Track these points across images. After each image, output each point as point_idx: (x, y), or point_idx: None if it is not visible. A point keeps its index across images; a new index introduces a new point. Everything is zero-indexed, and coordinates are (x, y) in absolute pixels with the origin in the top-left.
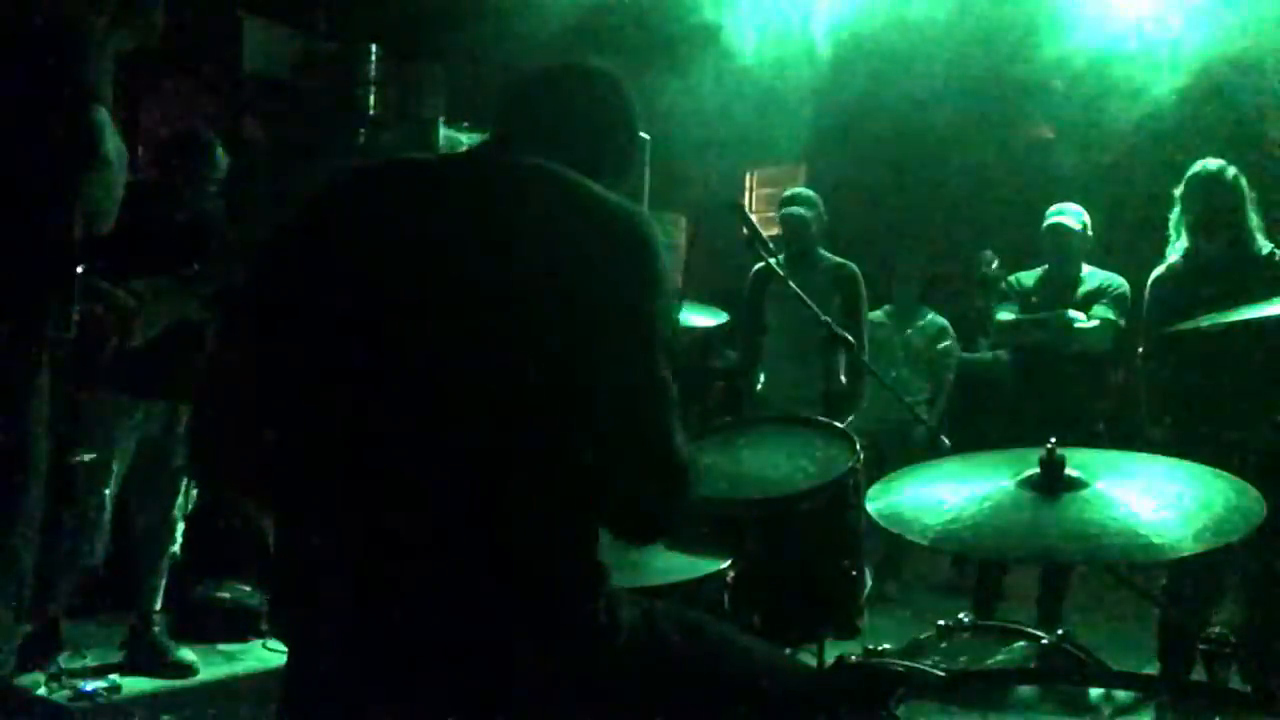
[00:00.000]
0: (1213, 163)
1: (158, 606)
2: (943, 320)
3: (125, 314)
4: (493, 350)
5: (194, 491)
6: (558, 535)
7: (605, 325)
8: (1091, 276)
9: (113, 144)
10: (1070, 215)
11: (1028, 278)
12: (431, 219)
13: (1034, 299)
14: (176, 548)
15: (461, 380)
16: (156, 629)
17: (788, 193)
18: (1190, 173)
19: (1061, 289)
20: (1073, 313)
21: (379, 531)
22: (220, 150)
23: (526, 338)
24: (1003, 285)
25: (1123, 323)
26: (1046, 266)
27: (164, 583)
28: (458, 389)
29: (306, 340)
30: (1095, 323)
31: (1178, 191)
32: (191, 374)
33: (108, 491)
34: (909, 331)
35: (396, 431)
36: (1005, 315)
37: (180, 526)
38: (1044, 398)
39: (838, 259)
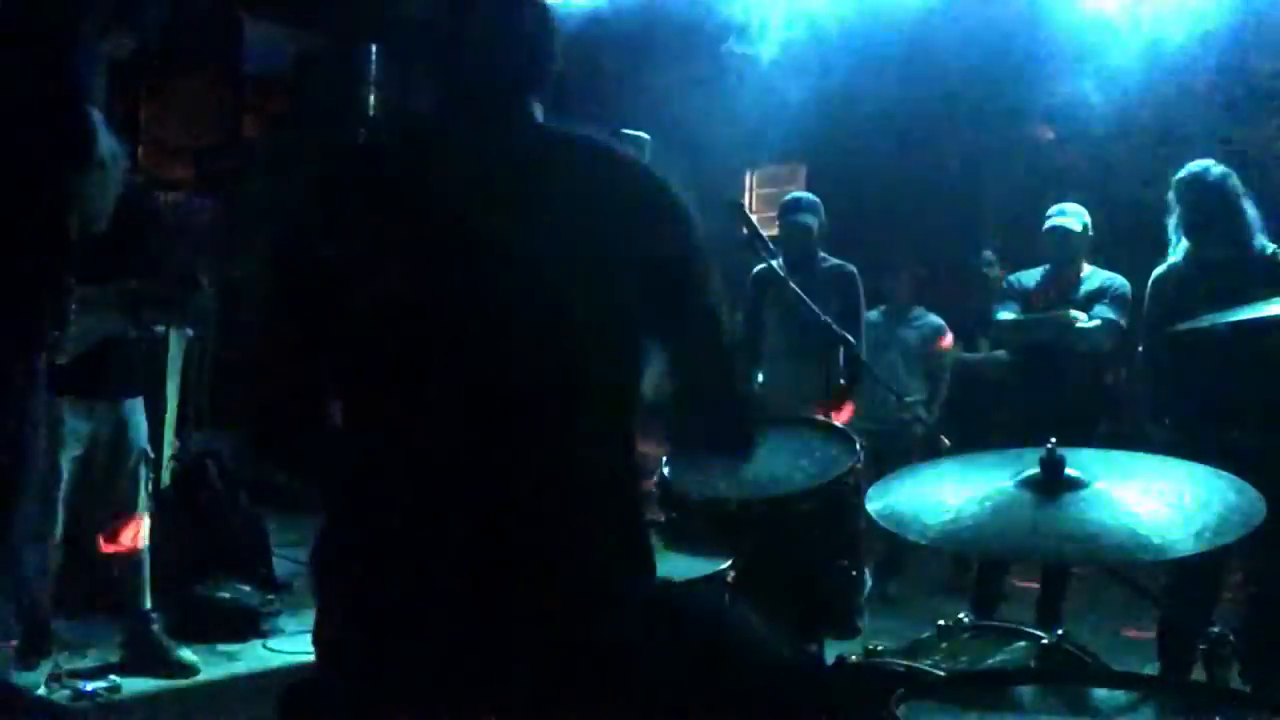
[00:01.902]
0: (1197, 165)
1: (147, 605)
2: (937, 319)
3: None
4: (546, 318)
5: (151, 487)
6: (609, 516)
7: (658, 279)
8: (1093, 276)
9: (106, 145)
10: (1071, 216)
11: (1028, 277)
12: (468, 187)
13: (1035, 299)
14: (143, 544)
15: (520, 356)
16: (156, 629)
17: (790, 197)
18: (1177, 177)
19: (1063, 289)
20: (1074, 313)
21: (433, 507)
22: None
23: (580, 302)
24: (1004, 285)
25: (1124, 323)
26: (1047, 266)
27: (147, 580)
28: (515, 366)
29: (358, 317)
30: (1097, 322)
31: (1178, 191)
32: (130, 375)
33: (59, 493)
34: (903, 331)
35: (453, 411)
36: (1006, 315)
37: (146, 523)
38: (1044, 398)
39: (837, 260)
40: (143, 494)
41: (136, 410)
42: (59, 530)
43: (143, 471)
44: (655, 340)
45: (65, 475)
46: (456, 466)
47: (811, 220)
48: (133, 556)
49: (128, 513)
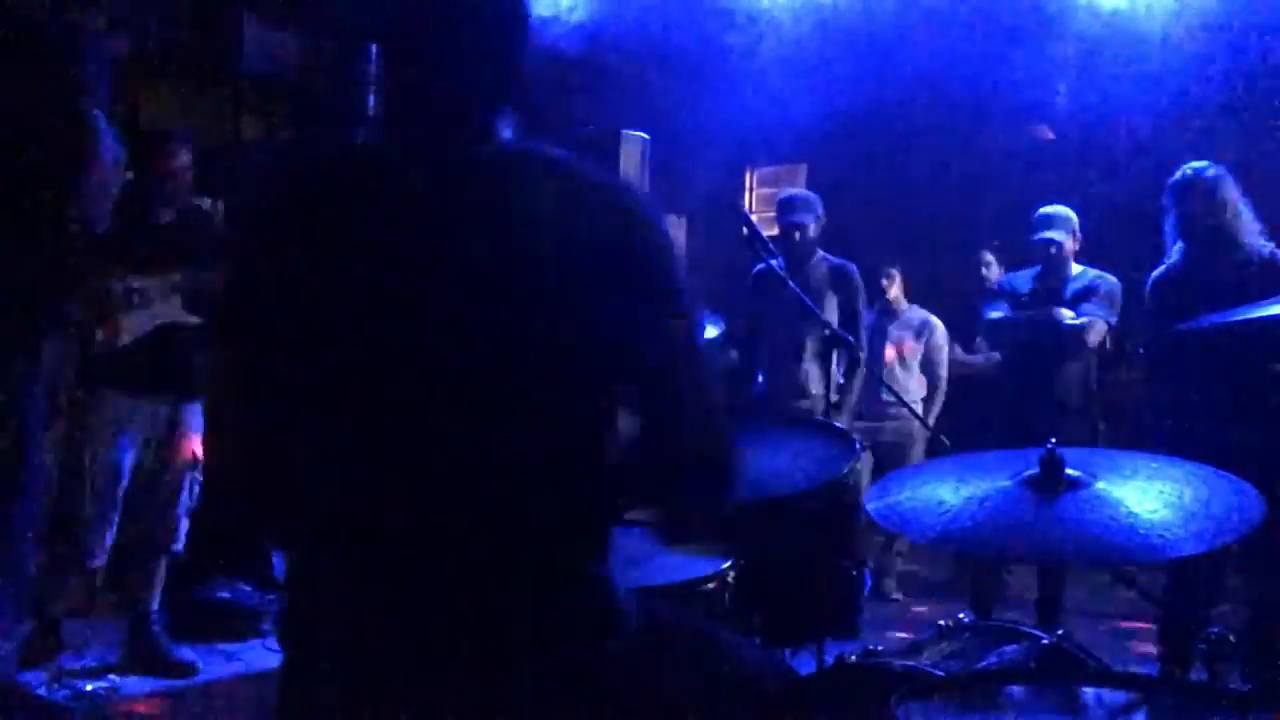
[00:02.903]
0: (1191, 166)
1: (155, 606)
2: (931, 316)
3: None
4: (504, 348)
5: (196, 489)
6: (569, 537)
7: (624, 301)
8: (1083, 275)
9: (107, 144)
10: (1056, 226)
11: (1020, 279)
12: (420, 208)
13: (1024, 298)
14: (179, 545)
15: (471, 379)
16: (156, 629)
17: (784, 195)
18: (1172, 179)
19: (1051, 288)
20: (1060, 311)
21: (389, 534)
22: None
23: (539, 330)
24: (994, 286)
25: (1113, 320)
26: (1039, 268)
27: (162, 582)
28: (467, 389)
29: (303, 347)
30: (1084, 320)
31: (1176, 192)
32: (188, 372)
33: (119, 492)
34: (897, 329)
35: (406, 435)
36: (994, 314)
37: (184, 525)
38: (1040, 397)
39: (837, 260)
40: (183, 498)
41: (194, 415)
42: (112, 531)
43: (189, 477)
44: (625, 374)
45: (126, 475)
46: (419, 512)
47: (806, 217)
48: (158, 559)
49: (167, 516)
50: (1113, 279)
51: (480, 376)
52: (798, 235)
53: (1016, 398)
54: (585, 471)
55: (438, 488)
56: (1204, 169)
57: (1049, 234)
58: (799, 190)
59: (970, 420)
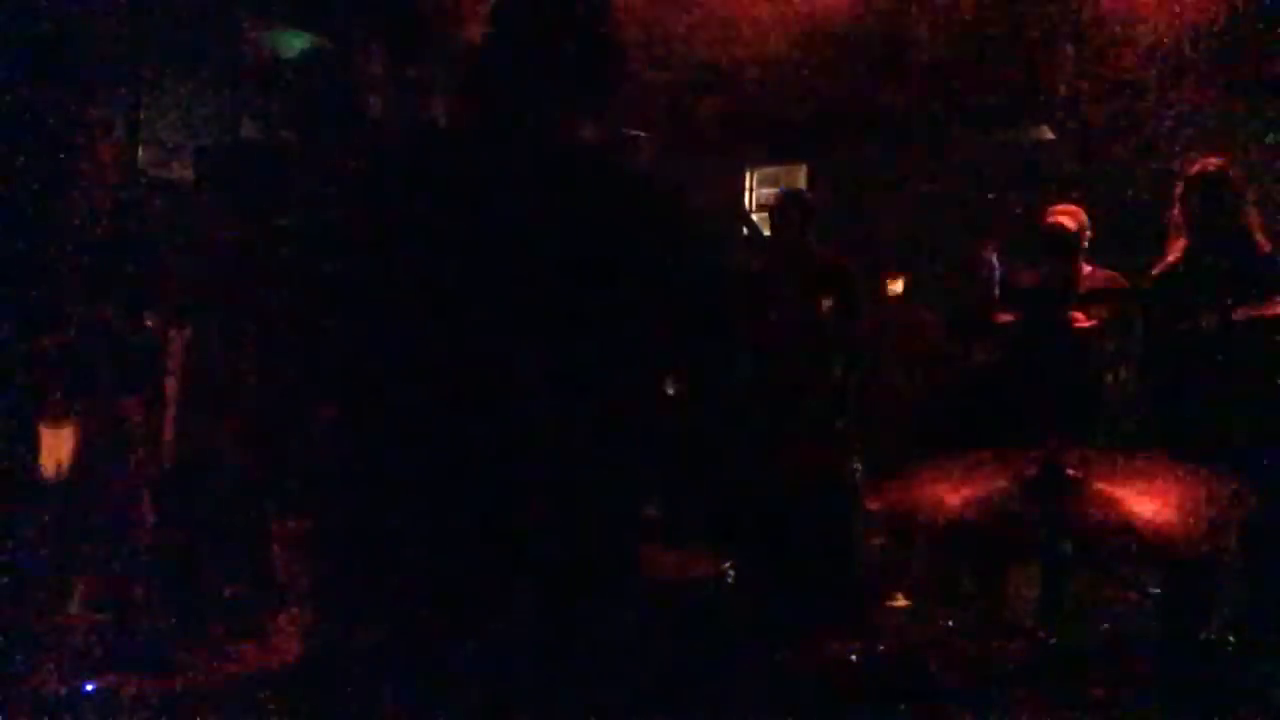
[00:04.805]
0: (1211, 162)
1: (146, 604)
2: (927, 313)
3: None
4: (565, 328)
5: (152, 488)
6: (595, 519)
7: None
8: (1094, 276)
9: (107, 146)
10: (1066, 215)
11: (1028, 279)
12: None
13: (1034, 300)
14: (142, 545)
15: (531, 364)
16: (151, 628)
17: (775, 193)
18: (1189, 172)
19: (1062, 289)
20: (1071, 314)
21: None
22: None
23: (601, 314)
24: (1002, 287)
25: (1124, 322)
26: (1047, 267)
27: (145, 579)
28: (523, 376)
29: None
30: (1095, 322)
31: (1177, 191)
32: (126, 372)
33: (56, 488)
34: (894, 327)
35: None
36: (1005, 318)
37: (148, 522)
38: (1044, 399)
39: (835, 258)
40: (143, 493)
41: (134, 409)
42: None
43: (143, 472)
44: (674, 354)
45: (64, 472)
46: (453, 475)
47: (794, 210)
48: (131, 556)
49: (127, 511)
50: (1123, 280)
51: (538, 363)
52: (786, 223)
53: (1026, 401)
54: (624, 459)
55: (479, 475)
56: (1216, 164)
57: (1056, 219)
58: (789, 187)
59: (973, 421)
